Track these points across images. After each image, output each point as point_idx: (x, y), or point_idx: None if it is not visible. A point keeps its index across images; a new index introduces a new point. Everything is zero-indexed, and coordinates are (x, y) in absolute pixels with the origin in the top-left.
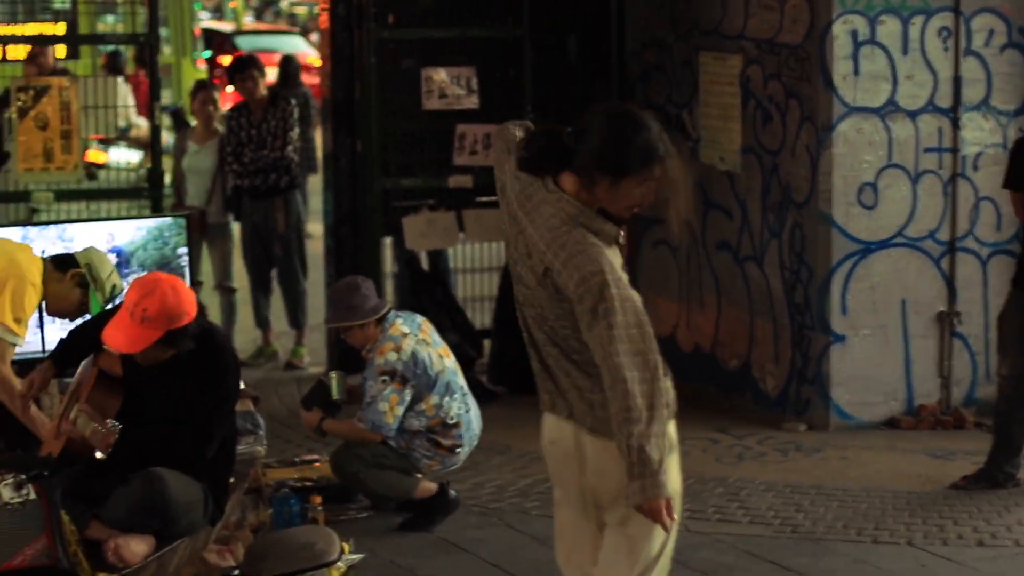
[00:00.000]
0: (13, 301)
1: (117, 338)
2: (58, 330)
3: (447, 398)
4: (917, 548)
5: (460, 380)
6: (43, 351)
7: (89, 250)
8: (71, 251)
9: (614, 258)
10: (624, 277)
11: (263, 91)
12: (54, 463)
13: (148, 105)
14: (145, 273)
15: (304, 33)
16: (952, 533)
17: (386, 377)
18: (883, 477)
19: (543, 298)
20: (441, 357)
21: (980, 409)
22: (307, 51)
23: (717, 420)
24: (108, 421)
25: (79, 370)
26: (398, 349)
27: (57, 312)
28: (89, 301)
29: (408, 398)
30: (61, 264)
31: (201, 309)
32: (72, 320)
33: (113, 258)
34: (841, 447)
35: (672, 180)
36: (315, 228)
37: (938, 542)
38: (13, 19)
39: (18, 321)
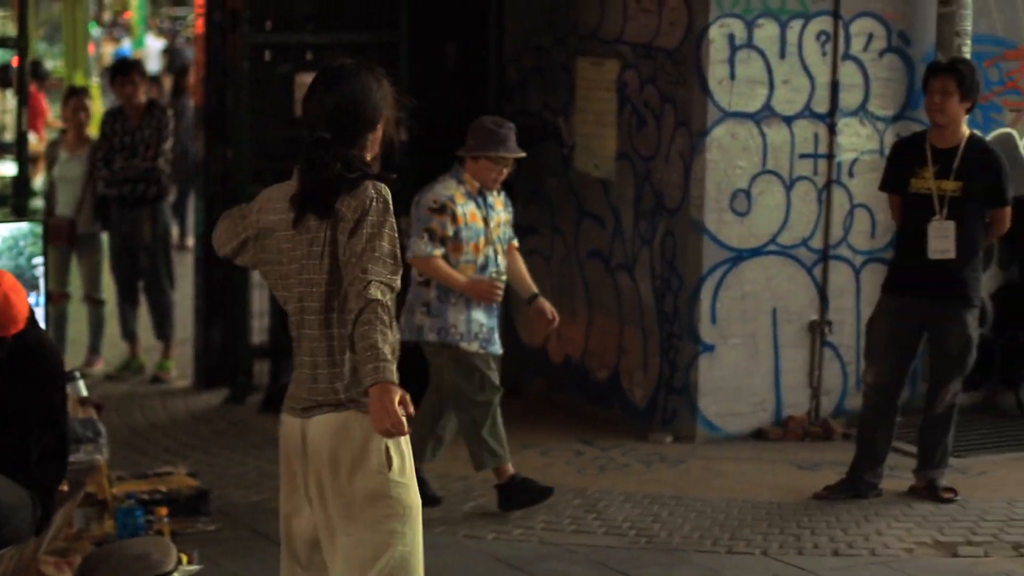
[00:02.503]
0: None
1: None
2: None
3: None
4: (771, 558)
5: None
6: None
7: None
8: None
9: None
10: None
11: (142, 97)
12: None
13: (17, 111)
14: None
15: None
16: (809, 543)
17: None
18: (745, 488)
19: None
20: None
21: (849, 420)
22: None
23: (583, 432)
24: None
25: None
26: None
27: None
28: None
29: None
30: None
31: (32, 318)
32: None
33: None
34: (706, 458)
35: None
36: None
37: (793, 552)
38: None
39: None
